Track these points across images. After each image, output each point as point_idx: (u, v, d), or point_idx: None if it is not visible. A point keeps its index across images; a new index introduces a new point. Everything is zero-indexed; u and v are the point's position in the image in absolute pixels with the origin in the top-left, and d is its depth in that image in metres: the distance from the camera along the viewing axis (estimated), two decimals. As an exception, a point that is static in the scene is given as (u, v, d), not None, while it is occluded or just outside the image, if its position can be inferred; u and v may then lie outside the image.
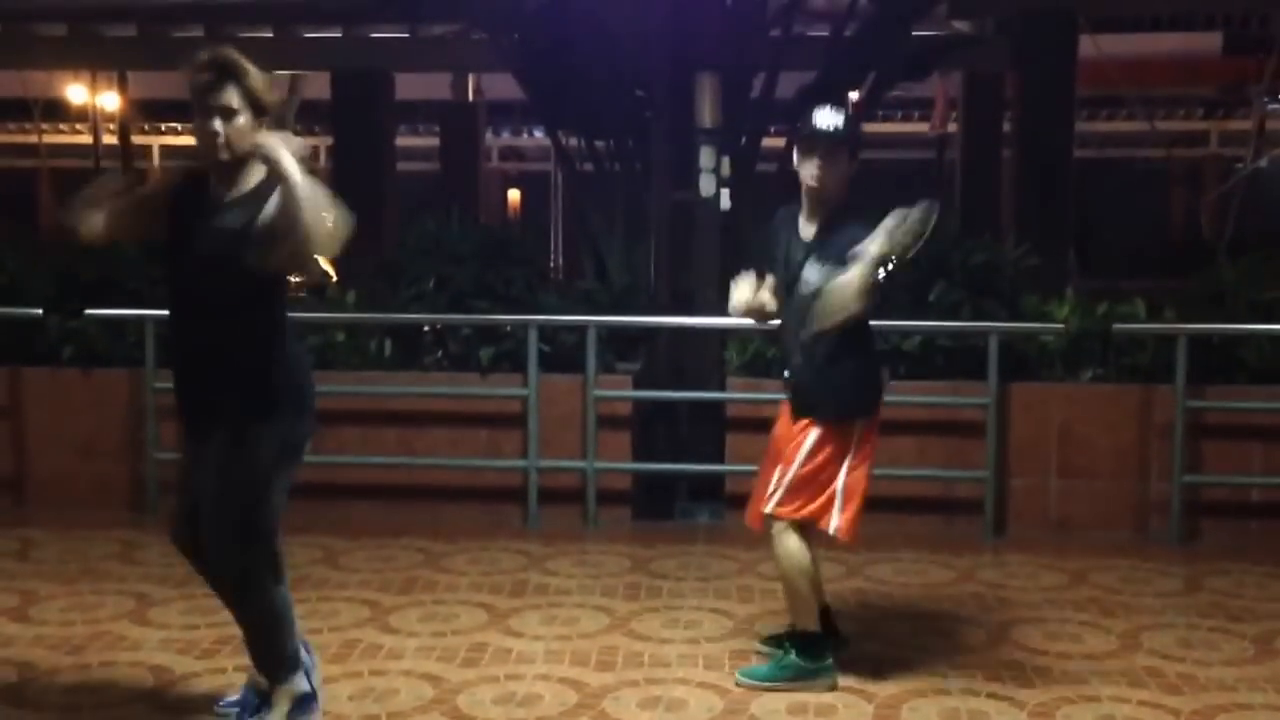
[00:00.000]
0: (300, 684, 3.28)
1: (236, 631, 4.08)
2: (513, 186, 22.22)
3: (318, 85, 14.13)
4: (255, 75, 3.08)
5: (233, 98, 3.04)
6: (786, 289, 3.64)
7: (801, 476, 3.62)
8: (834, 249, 3.49)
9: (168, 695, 3.61)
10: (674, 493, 5.84)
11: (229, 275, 3.05)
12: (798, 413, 3.71)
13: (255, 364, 3.15)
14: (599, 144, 7.15)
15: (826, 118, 3.55)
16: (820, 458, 3.62)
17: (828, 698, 3.62)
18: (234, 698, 3.47)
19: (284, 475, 3.22)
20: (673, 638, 4.12)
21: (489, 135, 19.28)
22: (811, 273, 3.54)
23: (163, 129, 21.96)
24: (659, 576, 4.82)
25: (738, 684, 3.69)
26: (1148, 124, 16.28)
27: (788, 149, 7.48)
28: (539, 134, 18.87)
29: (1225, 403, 5.44)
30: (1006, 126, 11.70)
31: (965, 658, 3.95)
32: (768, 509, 3.67)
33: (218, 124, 3.04)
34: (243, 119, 3.05)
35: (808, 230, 3.63)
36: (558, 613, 4.36)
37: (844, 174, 3.58)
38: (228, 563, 3.20)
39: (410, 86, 14.15)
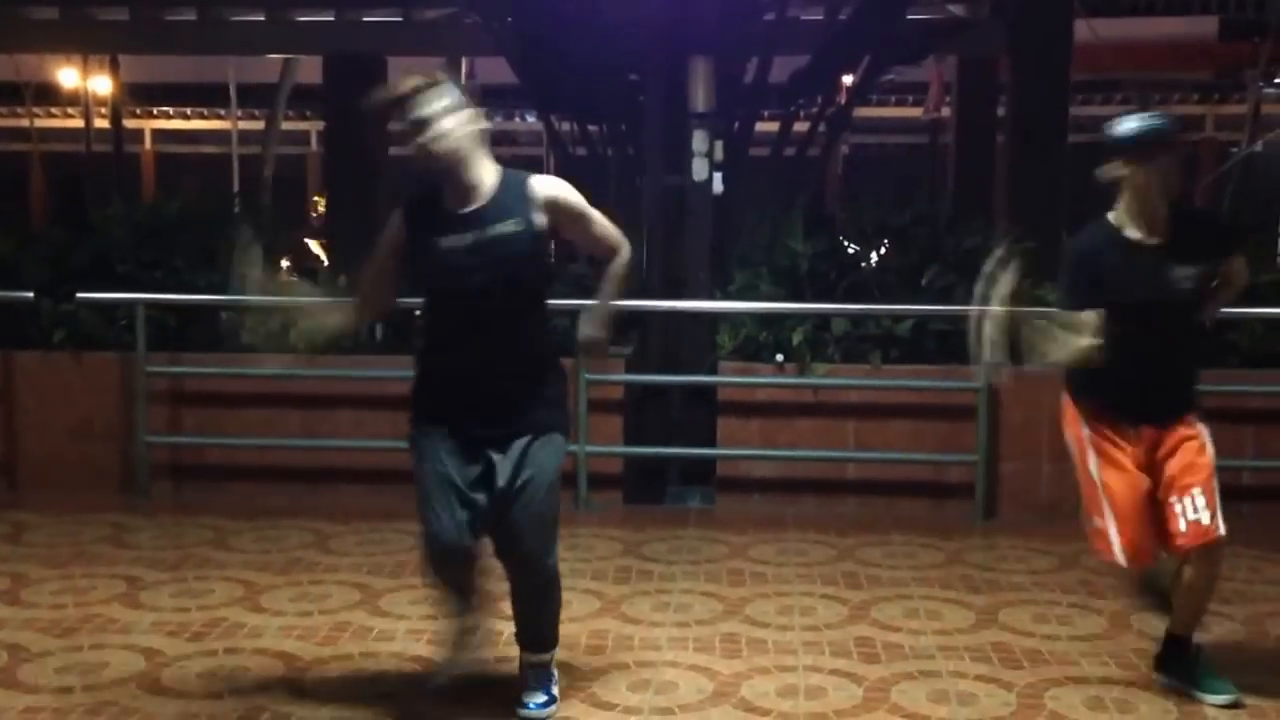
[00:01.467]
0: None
1: (228, 614, 4.13)
2: (506, 170, 22.11)
3: (310, 69, 14.07)
4: (437, 87, 3.09)
5: (425, 106, 3.05)
6: (1130, 300, 3.35)
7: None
8: (1191, 244, 3.36)
9: (159, 677, 3.61)
10: (665, 476, 5.86)
11: (509, 287, 3.12)
12: (1171, 416, 3.45)
13: (545, 372, 3.28)
14: (591, 128, 7.14)
15: (1135, 122, 3.35)
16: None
17: (816, 679, 3.64)
18: (540, 700, 3.38)
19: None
20: (663, 621, 4.13)
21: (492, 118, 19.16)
22: (1178, 270, 3.34)
23: (155, 113, 21.89)
24: (650, 560, 4.83)
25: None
26: (1143, 109, 16.27)
27: (782, 133, 7.52)
28: (531, 118, 18.83)
29: (1218, 386, 5.44)
30: (1001, 111, 11.68)
31: (954, 640, 3.97)
32: (1220, 530, 3.39)
33: (421, 137, 3.06)
34: (445, 121, 3.06)
35: (1142, 235, 3.38)
36: (549, 596, 4.37)
37: (1166, 173, 3.35)
38: (546, 560, 3.29)
39: (403, 70, 14.08)
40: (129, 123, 19.21)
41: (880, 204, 6.19)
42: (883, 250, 5.91)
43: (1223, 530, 3.40)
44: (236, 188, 16.59)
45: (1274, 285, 5.64)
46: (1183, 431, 3.45)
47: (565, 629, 4.01)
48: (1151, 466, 3.45)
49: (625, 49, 6.50)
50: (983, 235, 5.85)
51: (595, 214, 3.28)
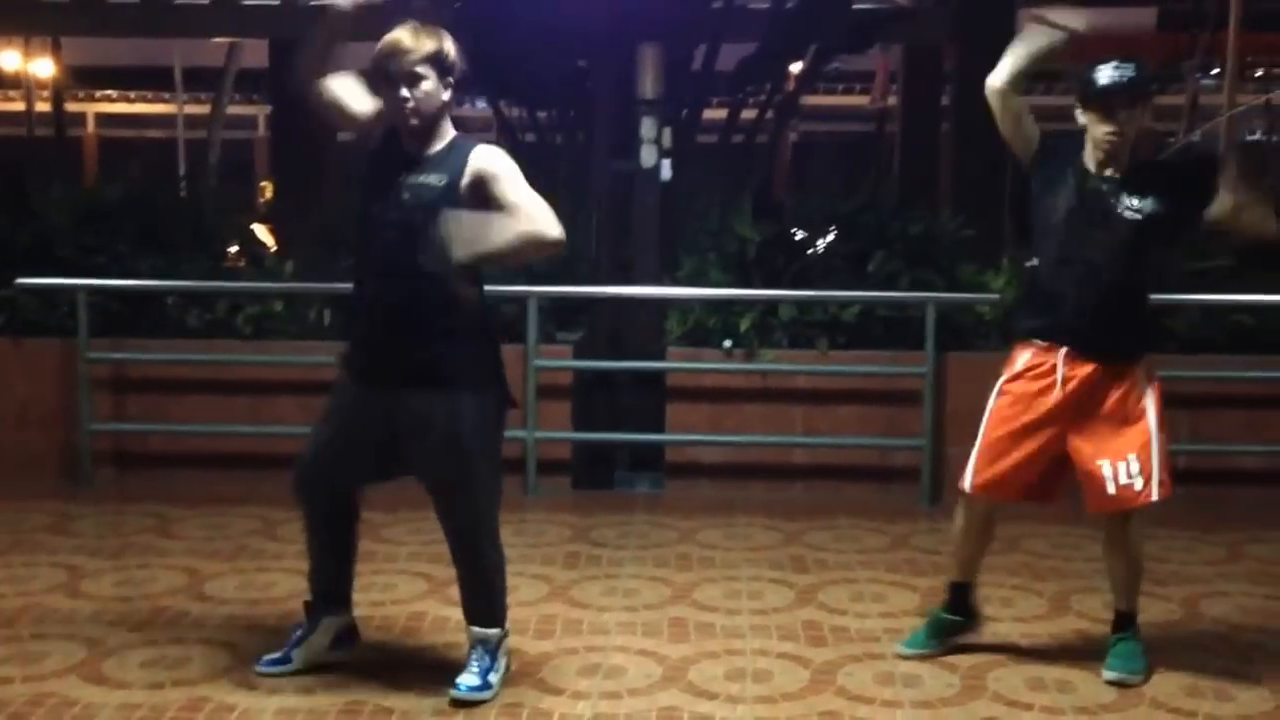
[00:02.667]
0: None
1: (171, 603, 4.09)
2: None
3: (256, 53, 13.87)
4: (438, 38, 3.17)
5: (417, 63, 3.12)
6: (1075, 219, 3.42)
7: (1165, 442, 3.43)
8: (1149, 182, 3.41)
9: (100, 668, 3.57)
10: (614, 462, 5.87)
11: (424, 235, 3.09)
12: (1111, 355, 3.44)
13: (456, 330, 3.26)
14: (541, 115, 7.12)
15: (1113, 71, 3.36)
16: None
17: (763, 663, 3.67)
18: (472, 684, 3.38)
19: None
20: (611, 605, 4.15)
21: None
22: (1127, 200, 3.39)
23: (98, 96, 21.47)
24: (598, 545, 4.85)
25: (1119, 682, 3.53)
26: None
27: (730, 120, 7.55)
28: (481, 104, 18.70)
29: (1156, 371, 5.55)
30: (946, 100, 11.80)
31: (900, 622, 4.02)
32: (1156, 496, 3.43)
33: (405, 91, 3.13)
34: (429, 83, 3.14)
35: (1105, 169, 3.43)
36: (498, 582, 4.37)
37: (1138, 124, 3.39)
38: (476, 532, 3.36)
39: (351, 54, 13.93)
40: (71, 106, 18.87)
41: (827, 191, 6.24)
42: (830, 237, 5.96)
43: (1155, 496, 3.45)
44: (182, 173, 16.33)
45: (1209, 272, 5.77)
46: (1122, 385, 3.45)
47: (514, 614, 4.01)
48: (1078, 415, 3.45)
49: (574, 35, 6.49)
50: (928, 222, 5.93)
51: (522, 191, 3.20)
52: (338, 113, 3.34)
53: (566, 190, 6.67)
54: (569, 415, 5.73)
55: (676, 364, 5.71)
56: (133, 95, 21.40)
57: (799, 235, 5.95)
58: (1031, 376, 3.48)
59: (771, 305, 5.66)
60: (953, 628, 3.75)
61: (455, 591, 4.18)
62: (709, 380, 5.68)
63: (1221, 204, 3.47)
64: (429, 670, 3.57)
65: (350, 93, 3.32)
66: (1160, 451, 3.46)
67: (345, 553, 3.56)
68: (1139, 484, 3.42)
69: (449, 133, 3.26)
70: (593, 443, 5.83)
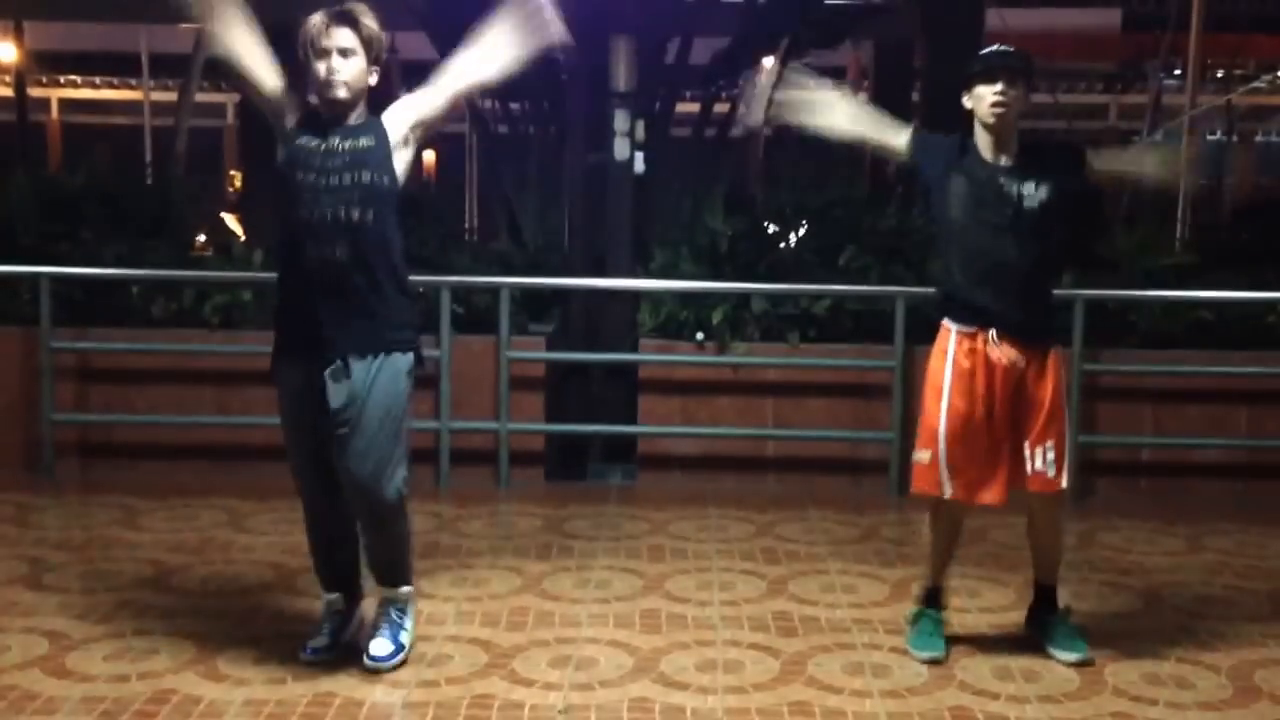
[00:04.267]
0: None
1: (136, 596, 4.05)
2: (427, 147, 21.89)
3: (223, 40, 13.71)
4: (371, 20, 3.27)
5: (348, 39, 3.22)
6: (975, 213, 3.47)
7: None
8: (1038, 168, 3.47)
9: (64, 661, 3.53)
10: (586, 454, 5.87)
11: (357, 194, 3.22)
12: (1029, 336, 3.50)
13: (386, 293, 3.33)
14: (514, 106, 7.11)
15: (995, 47, 3.51)
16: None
17: (734, 654, 3.69)
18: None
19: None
20: (584, 597, 4.16)
21: (403, 94, 18.92)
22: (1023, 187, 3.44)
23: (62, 81, 21.17)
24: (571, 537, 4.85)
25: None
26: (1050, 96, 16.68)
27: (703, 113, 7.56)
28: (453, 95, 18.57)
29: (1118, 366, 5.64)
30: (916, 96, 11.88)
31: (869, 613, 4.06)
32: (1065, 483, 3.55)
33: (336, 61, 3.23)
34: (357, 59, 3.25)
35: (994, 156, 3.50)
36: (469, 574, 4.37)
37: (1021, 106, 3.48)
38: (383, 489, 3.38)
39: (320, 43, 13.81)
40: (35, 91, 18.57)
41: (800, 185, 6.27)
42: (802, 231, 5.99)
43: (1064, 484, 3.58)
44: (149, 160, 16.13)
45: (1172, 269, 5.85)
46: (1042, 370, 3.53)
47: (486, 605, 4.04)
48: (1012, 401, 3.51)
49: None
50: (898, 217, 5.97)
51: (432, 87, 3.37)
52: (249, 82, 3.36)
53: (539, 182, 6.67)
54: (541, 407, 5.73)
55: (649, 356, 5.72)
56: (98, 81, 21.10)
57: (771, 229, 5.98)
58: (973, 363, 3.51)
59: (743, 298, 5.68)
60: (942, 623, 3.79)
61: (427, 584, 4.21)
62: (681, 373, 5.70)
63: (1123, 156, 3.58)
64: (402, 661, 3.56)
65: (259, 62, 3.34)
66: (1066, 441, 3.60)
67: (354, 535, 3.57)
68: (1051, 472, 3.54)
69: (365, 111, 3.35)
70: (565, 434, 5.83)
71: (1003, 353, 3.48)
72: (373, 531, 3.46)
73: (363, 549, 3.53)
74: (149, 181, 6.80)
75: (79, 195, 5.99)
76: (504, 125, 7.22)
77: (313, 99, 3.34)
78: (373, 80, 3.31)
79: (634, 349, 5.77)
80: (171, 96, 17.95)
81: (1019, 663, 3.66)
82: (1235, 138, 18.16)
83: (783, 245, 5.89)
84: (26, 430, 5.67)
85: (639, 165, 5.88)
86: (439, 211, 6.15)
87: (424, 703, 3.30)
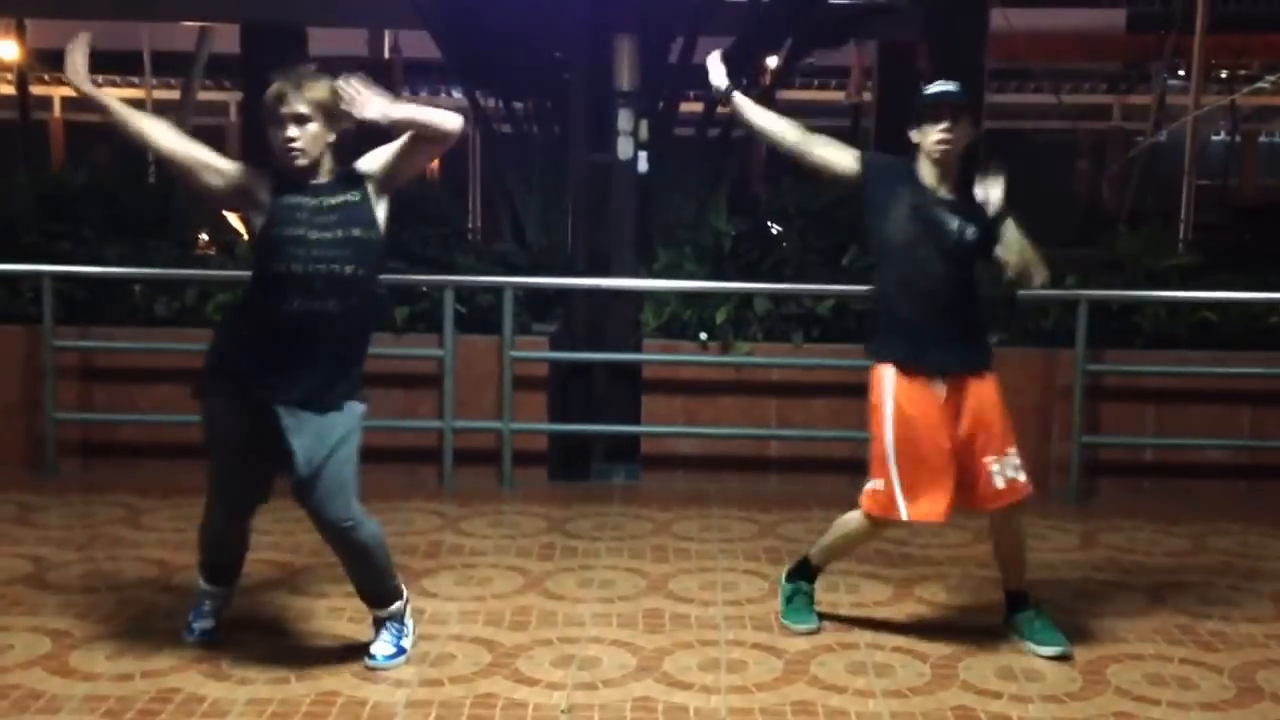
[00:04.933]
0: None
1: (140, 595, 4.05)
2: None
3: (227, 38, 13.72)
4: (325, 85, 3.31)
5: (302, 105, 3.27)
6: (915, 238, 3.57)
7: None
8: (972, 210, 3.60)
9: (67, 660, 3.54)
10: (590, 454, 5.88)
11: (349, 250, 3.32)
12: (970, 362, 3.63)
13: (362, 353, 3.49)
14: (517, 105, 7.11)
15: (939, 85, 3.61)
16: None
17: (737, 653, 3.70)
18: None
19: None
20: (587, 597, 4.16)
21: (406, 94, 18.96)
22: (956, 223, 3.57)
23: (64, 79, 21.18)
24: (574, 537, 4.85)
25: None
26: (1054, 97, 16.66)
27: (707, 113, 7.55)
28: (457, 94, 18.62)
29: (1122, 366, 5.64)
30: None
31: (872, 612, 4.06)
32: (1027, 490, 3.66)
33: (292, 130, 3.28)
34: (314, 125, 3.30)
35: (936, 187, 3.61)
36: (472, 573, 4.37)
37: (965, 141, 3.60)
38: (346, 525, 3.45)
39: (324, 42, 13.81)
40: (37, 90, 18.55)
41: (803, 185, 6.26)
42: (805, 231, 5.99)
43: (1027, 489, 3.69)
44: (151, 159, 16.13)
45: (1175, 269, 5.84)
46: (984, 389, 3.64)
47: (490, 605, 4.04)
48: (954, 423, 3.60)
49: (550, 26, 6.47)
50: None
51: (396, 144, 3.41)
52: (202, 169, 3.38)
53: (542, 182, 6.67)
54: (545, 407, 5.73)
55: (652, 356, 5.72)
56: (100, 79, 21.02)
57: (774, 229, 5.98)
58: (915, 403, 3.59)
59: (747, 298, 5.68)
60: (813, 600, 3.97)
61: (430, 584, 4.22)
62: (685, 372, 5.70)
63: (1012, 250, 3.64)
64: (403, 661, 3.57)
65: (202, 149, 3.41)
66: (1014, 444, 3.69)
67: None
68: (1021, 476, 3.66)
69: (332, 166, 3.40)
70: (569, 434, 5.83)
71: (943, 386, 3.60)
72: (352, 562, 3.52)
73: (348, 577, 3.59)
74: (151, 180, 6.79)
75: (81, 194, 5.99)
76: (507, 125, 7.22)
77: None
78: (331, 139, 3.36)
79: (637, 349, 5.77)
80: (174, 95, 17.96)
81: (1021, 663, 3.66)
82: (1239, 138, 18.12)
83: (785, 245, 5.88)
84: (29, 429, 5.68)
85: (642, 165, 5.88)
86: (442, 211, 6.13)
87: (427, 702, 3.30)
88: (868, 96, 15.26)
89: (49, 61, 19.21)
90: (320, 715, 3.22)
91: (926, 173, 3.62)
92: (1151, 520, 5.23)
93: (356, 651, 3.62)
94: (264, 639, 3.72)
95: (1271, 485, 5.66)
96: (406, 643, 3.60)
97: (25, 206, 5.86)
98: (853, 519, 3.81)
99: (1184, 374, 5.62)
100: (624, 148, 5.82)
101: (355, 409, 3.44)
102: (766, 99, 8.40)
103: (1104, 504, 5.53)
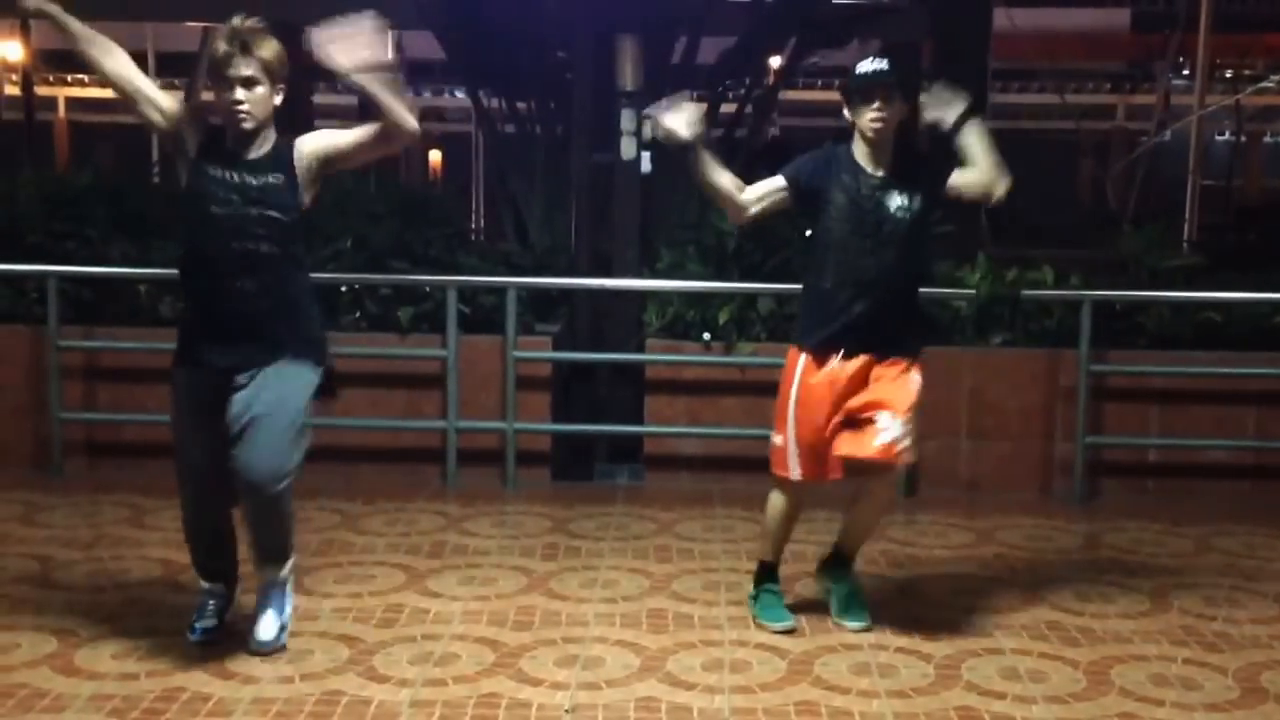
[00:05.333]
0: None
1: (145, 594, 4.06)
2: (433, 147, 21.95)
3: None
4: (272, 45, 3.32)
5: (251, 67, 3.27)
6: (851, 225, 3.63)
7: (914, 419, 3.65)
8: (912, 181, 3.65)
9: (72, 658, 3.54)
10: (593, 454, 5.88)
11: (265, 229, 3.34)
12: (885, 351, 3.67)
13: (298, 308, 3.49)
14: (520, 105, 7.11)
15: (870, 63, 3.63)
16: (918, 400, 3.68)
17: (741, 654, 3.70)
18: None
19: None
20: (590, 597, 4.16)
21: (409, 95, 18.93)
22: (896, 200, 3.63)
23: (69, 80, 21.21)
24: (577, 537, 4.86)
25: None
26: (1058, 97, 16.66)
27: (710, 114, 7.55)
28: (460, 94, 18.63)
29: (1126, 366, 5.63)
30: (923, 96, 11.85)
31: (876, 613, 4.04)
32: (908, 459, 3.66)
33: (240, 93, 3.28)
34: (262, 88, 3.30)
35: (872, 168, 3.67)
36: (476, 573, 4.38)
37: (899, 118, 3.66)
38: (276, 485, 3.45)
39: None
40: (42, 90, 18.61)
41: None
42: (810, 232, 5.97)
43: (909, 458, 3.68)
44: (155, 158, 16.16)
45: (1180, 270, 5.84)
46: (898, 367, 3.69)
47: (492, 605, 4.05)
48: (852, 390, 3.66)
49: (554, 26, 6.48)
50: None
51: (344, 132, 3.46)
52: (144, 101, 3.39)
53: (545, 182, 6.68)
54: (548, 407, 5.73)
55: (655, 356, 5.72)
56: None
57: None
58: (820, 382, 3.69)
59: (750, 298, 5.68)
60: (781, 596, 4.00)
61: (434, 583, 4.23)
62: (688, 373, 5.70)
63: (970, 169, 3.70)
64: (406, 662, 3.57)
65: (150, 85, 3.42)
66: (914, 424, 3.66)
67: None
68: (904, 444, 3.61)
69: (272, 135, 3.41)
70: (572, 434, 5.83)
71: (849, 366, 3.66)
72: (263, 520, 3.50)
73: (249, 532, 3.58)
74: (155, 180, 6.80)
75: (86, 194, 6.00)
76: (510, 125, 7.22)
77: (214, 120, 3.42)
78: (277, 101, 3.37)
79: (640, 349, 5.77)
80: (178, 94, 17.97)
81: (1025, 663, 3.66)
82: (1244, 138, 18.10)
83: (789, 245, 5.87)
84: (35, 429, 5.69)
85: (645, 165, 5.88)
86: (445, 212, 6.14)
87: (431, 701, 3.31)
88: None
89: (54, 62, 19.27)
90: (325, 715, 3.23)
91: (861, 154, 3.67)
92: (1155, 521, 5.22)
93: (362, 652, 3.63)
94: (268, 639, 3.73)
95: (1276, 486, 5.65)
96: (287, 617, 3.63)
97: (30, 207, 5.87)
98: (770, 499, 3.93)
99: (1188, 374, 5.61)
100: (627, 148, 5.82)
101: (305, 372, 3.45)
102: (770, 99, 8.43)
103: (1108, 505, 5.53)
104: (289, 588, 3.68)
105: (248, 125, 3.32)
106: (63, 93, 21.57)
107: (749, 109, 7.75)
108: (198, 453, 3.48)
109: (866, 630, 3.84)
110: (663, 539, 4.86)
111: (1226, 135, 18.74)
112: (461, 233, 6.33)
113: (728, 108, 7.86)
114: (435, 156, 21.61)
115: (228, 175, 3.34)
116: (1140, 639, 3.87)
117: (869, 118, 3.61)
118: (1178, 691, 3.49)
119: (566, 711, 3.28)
